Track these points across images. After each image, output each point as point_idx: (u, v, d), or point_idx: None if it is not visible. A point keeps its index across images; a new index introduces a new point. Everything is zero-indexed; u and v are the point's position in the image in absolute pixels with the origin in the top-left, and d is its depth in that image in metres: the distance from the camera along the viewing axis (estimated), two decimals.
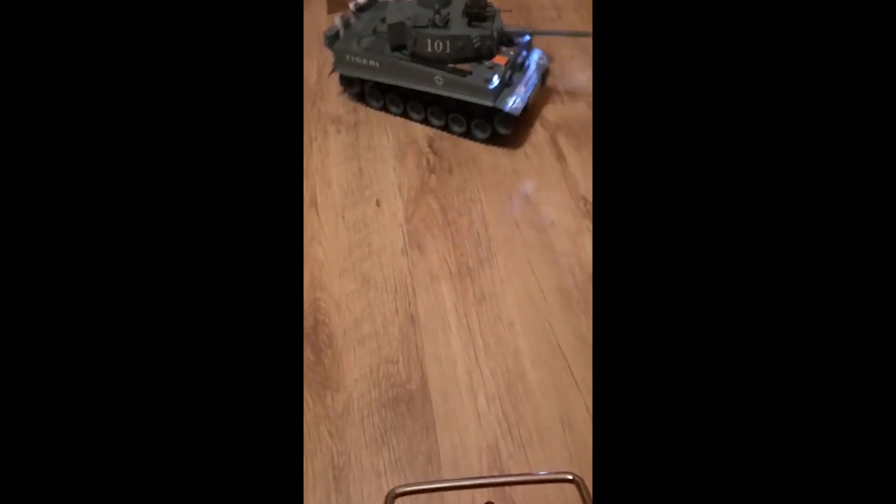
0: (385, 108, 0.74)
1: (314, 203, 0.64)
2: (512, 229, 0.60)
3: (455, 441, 0.45)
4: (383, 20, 0.69)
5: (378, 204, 0.64)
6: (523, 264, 0.57)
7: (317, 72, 0.81)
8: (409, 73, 0.67)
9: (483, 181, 0.66)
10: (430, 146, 0.70)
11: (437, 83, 0.66)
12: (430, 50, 0.65)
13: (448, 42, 0.64)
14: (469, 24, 0.65)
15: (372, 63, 0.69)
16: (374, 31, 0.70)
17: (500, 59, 0.66)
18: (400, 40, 0.67)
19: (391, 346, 0.51)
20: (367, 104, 0.75)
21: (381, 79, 0.70)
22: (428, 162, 0.68)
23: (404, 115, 0.73)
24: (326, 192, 0.65)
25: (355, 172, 0.67)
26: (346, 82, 0.75)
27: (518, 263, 0.57)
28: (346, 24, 0.72)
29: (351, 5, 0.73)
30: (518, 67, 0.68)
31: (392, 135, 0.71)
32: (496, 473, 0.43)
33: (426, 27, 0.64)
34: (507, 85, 0.65)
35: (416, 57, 0.67)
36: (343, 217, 0.62)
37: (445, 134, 0.71)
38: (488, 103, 0.64)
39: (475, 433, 0.45)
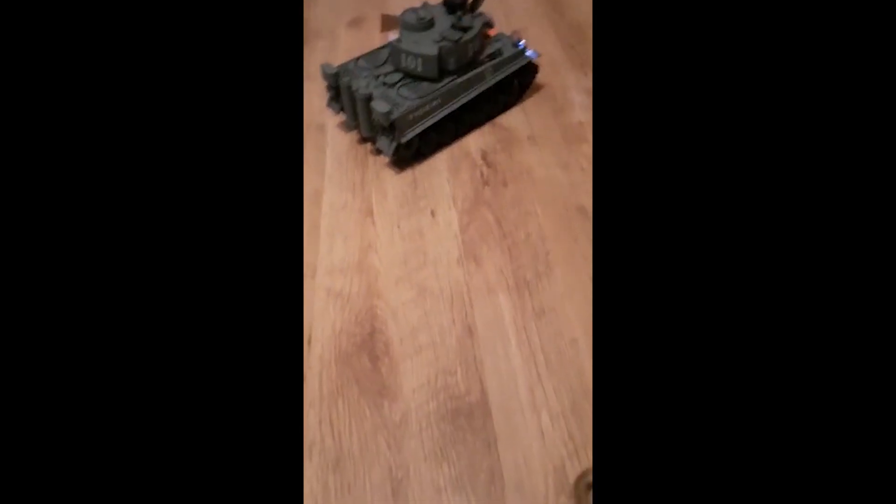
0: (440, 145, 0.70)
1: (370, 212, 0.64)
2: (570, 243, 0.59)
3: (518, 460, 0.43)
4: (376, 76, 0.67)
5: (433, 214, 0.63)
6: (584, 279, 0.55)
7: None
8: (465, 87, 0.68)
9: (538, 194, 0.65)
10: (484, 159, 0.70)
11: (488, 76, 0.69)
12: (470, 54, 0.67)
13: (476, 39, 0.67)
14: (463, 15, 0.67)
15: (434, 103, 0.65)
16: (385, 84, 0.66)
17: (493, 31, 0.73)
18: (442, 65, 0.65)
19: (448, 357, 0.50)
20: (424, 157, 0.69)
21: (444, 113, 0.66)
22: (482, 174, 0.68)
23: (456, 136, 0.72)
24: (382, 202, 0.65)
25: (409, 183, 0.67)
26: (405, 149, 0.66)
27: (579, 278, 0.56)
28: (365, 102, 0.65)
29: (410, 12, 0.68)
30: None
31: (445, 148, 0.72)
32: (563, 498, 0.40)
33: (458, 39, 0.64)
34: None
35: (462, 68, 0.67)
36: (398, 226, 0.62)
37: (499, 147, 0.71)
38: (526, 60, 0.72)
39: (539, 453, 0.43)
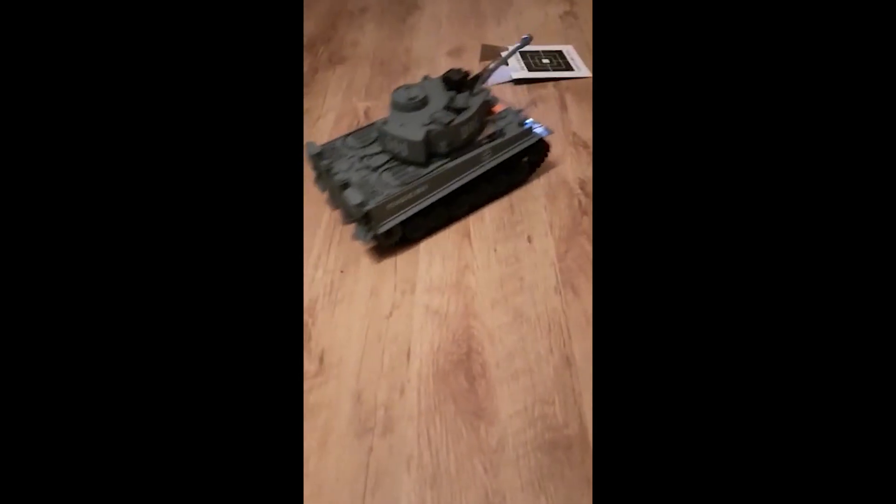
0: (430, 232, 0.63)
1: (467, 234, 0.65)
2: None
3: None
4: (361, 157, 0.61)
5: (529, 240, 0.63)
6: None
7: None
8: (457, 171, 0.61)
9: None
10: (582, 188, 0.70)
11: (486, 158, 0.62)
12: (465, 137, 0.60)
13: (473, 120, 0.60)
14: (458, 91, 0.62)
15: (419, 190, 0.58)
16: (369, 167, 0.60)
17: (499, 107, 0.67)
18: (430, 150, 0.59)
19: (546, 386, 0.49)
20: (412, 242, 0.62)
21: (431, 200, 0.59)
22: (580, 203, 0.67)
23: (450, 221, 0.65)
24: (479, 225, 0.66)
25: (506, 208, 0.68)
26: (384, 238, 0.59)
27: None
28: (340, 189, 0.58)
29: (402, 90, 0.62)
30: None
31: (542, 174, 0.72)
32: None
33: (450, 122, 0.58)
34: None
35: (455, 151, 0.60)
36: (495, 250, 0.63)
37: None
38: (536, 139, 0.66)
39: None
